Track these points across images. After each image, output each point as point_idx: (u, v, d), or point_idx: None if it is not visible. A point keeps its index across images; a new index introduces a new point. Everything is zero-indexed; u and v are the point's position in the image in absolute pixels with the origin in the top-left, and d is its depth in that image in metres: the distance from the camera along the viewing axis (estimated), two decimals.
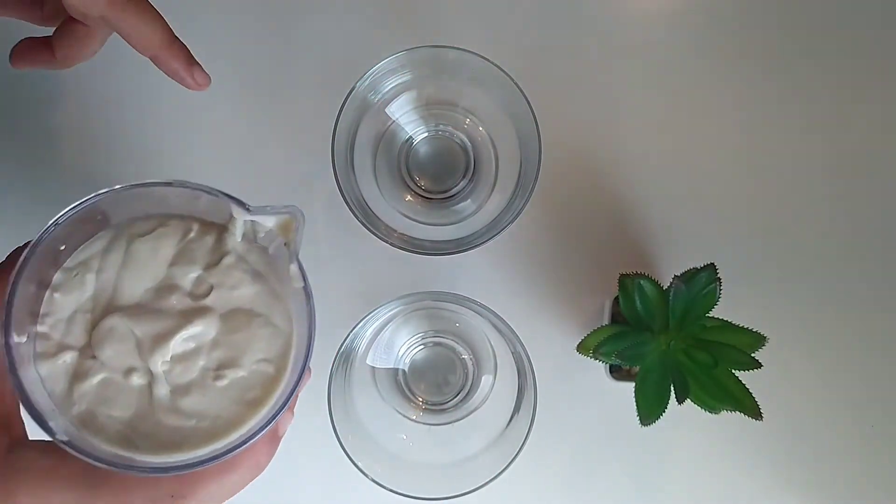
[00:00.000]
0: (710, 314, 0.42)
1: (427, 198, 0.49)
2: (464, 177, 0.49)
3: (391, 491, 0.41)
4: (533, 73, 0.45)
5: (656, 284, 0.42)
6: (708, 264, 0.42)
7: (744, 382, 0.41)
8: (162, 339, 0.26)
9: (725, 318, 0.42)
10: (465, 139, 0.49)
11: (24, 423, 0.27)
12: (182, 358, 0.26)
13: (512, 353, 0.44)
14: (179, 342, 0.26)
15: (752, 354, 0.40)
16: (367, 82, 0.43)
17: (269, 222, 0.27)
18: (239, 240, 0.28)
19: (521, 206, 0.42)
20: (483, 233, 0.45)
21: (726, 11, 0.51)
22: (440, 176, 0.49)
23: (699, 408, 0.41)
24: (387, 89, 0.45)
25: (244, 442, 0.25)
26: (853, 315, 0.50)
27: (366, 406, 0.46)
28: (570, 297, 0.50)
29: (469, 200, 0.48)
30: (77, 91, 0.51)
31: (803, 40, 0.51)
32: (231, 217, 0.27)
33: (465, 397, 0.49)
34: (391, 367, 0.49)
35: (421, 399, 0.49)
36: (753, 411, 0.40)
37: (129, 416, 0.25)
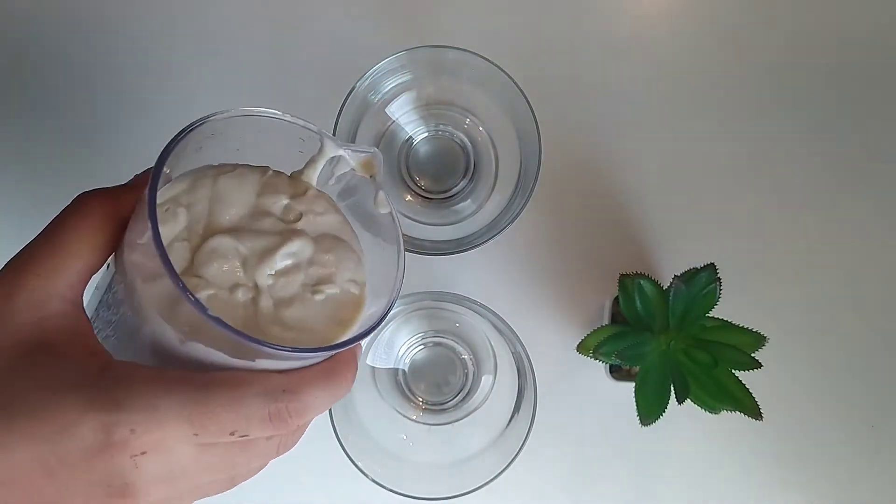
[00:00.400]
0: (710, 314, 0.42)
1: (427, 198, 0.49)
2: (464, 177, 0.49)
3: (391, 491, 0.41)
4: (533, 73, 0.45)
5: (656, 284, 0.42)
6: (708, 264, 0.42)
7: (744, 382, 0.41)
8: (267, 253, 0.27)
9: (725, 318, 0.42)
10: (465, 139, 0.49)
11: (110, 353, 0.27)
12: (283, 273, 0.27)
13: (512, 353, 0.44)
14: (281, 257, 0.27)
15: (752, 354, 0.40)
16: (367, 82, 0.43)
17: (353, 160, 0.30)
18: (314, 183, 0.30)
19: (520, 206, 0.42)
20: (483, 233, 0.45)
21: (727, 11, 0.51)
22: (440, 176, 0.49)
23: (699, 408, 0.41)
24: (387, 89, 0.45)
25: (349, 343, 0.26)
26: (853, 315, 0.50)
27: (366, 406, 0.46)
28: (570, 297, 0.50)
29: (469, 200, 0.48)
30: (77, 92, 0.51)
31: (805, 40, 0.51)
32: (312, 158, 0.30)
33: (465, 397, 0.49)
34: (391, 367, 0.49)
35: (421, 399, 0.49)
36: (753, 411, 0.40)
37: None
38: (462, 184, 0.49)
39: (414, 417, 0.48)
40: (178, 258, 0.26)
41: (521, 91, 0.42)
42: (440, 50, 0.42)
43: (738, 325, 0.42)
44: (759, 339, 0.41)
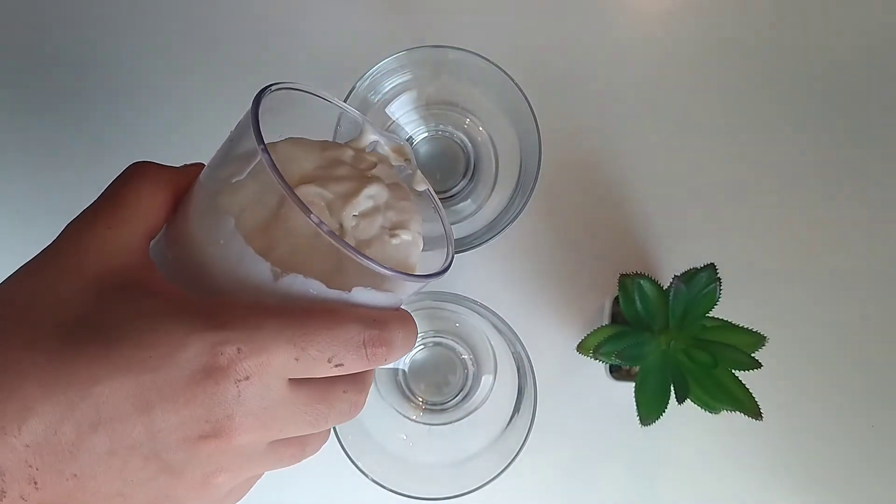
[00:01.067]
0: (710, 314, 0.42)
1: None
2: (464, 177, 0.49)
3: (391, 491, 0.41)
4: (533, 73, 0.45)
5: (656, 284, 0.42)
6: (708, 264, 0.42)
7: (744, 382, 0.41)
8: (350, 196, 0.27)
9: (725, 318, 0.42)
10: (465, 139, 0.49)
11: None
12: (365, 215, 0.28)
13: (512, 353, 0.44)
14: (364, 199, 0.28)
15: (752, 354, 0.40)
16: (367, 82, 0.43)
17: (387, 146, 0.31)
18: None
19: (521, 205, 0.42)
20: (483, 233, 0.45)
21: (726, 11, 0.51)
22: (440, 176, 0.49)
23: (699, 408, 0.41)
24: (387, 89, 0.45)
25: (437, 275, 0.27)
26: (853, 315, 0.50)
27: (366, 406, 0.46)
28: (570, 297, 0.50)
29: (469, 200, 0.48)
30: (74, 93, 0.51)
31: (805, 39, 0.51)
32: (352, 141, 0.30)
33: (465, 397, 0.49)
34: (391, 367, 0.49)
35: (421, 399, 0.49)
36: (753, 411, 0.40)
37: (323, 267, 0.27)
38: (462, 184, 0.49)
39: (414, 417, 0.48)
40: (262, 216, 0.26)
41: (521, 91, 0.42)
42: (440, 50, 0.42)
43: (738, 325, 0.42)
44: (759, 339, 0.41)
